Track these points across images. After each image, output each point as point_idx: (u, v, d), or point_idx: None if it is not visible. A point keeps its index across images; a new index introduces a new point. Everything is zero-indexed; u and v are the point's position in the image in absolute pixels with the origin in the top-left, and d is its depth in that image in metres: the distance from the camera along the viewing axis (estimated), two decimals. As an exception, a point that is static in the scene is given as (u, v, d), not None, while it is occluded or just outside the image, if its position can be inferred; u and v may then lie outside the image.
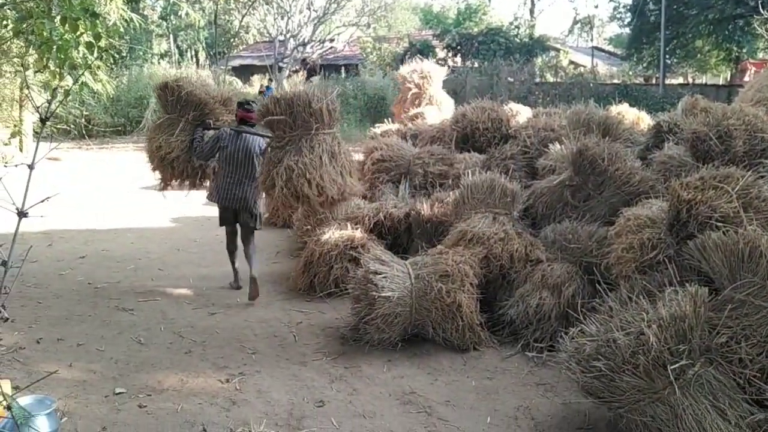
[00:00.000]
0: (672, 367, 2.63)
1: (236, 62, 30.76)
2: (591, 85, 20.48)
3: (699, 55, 23.62)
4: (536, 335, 3.95)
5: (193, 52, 29.20)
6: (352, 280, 4.16)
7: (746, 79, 13.95)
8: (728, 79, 24.06)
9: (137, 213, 8.21)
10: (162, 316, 4.57)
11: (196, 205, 8.76)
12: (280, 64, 26.41)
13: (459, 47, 24.32)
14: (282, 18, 27.31)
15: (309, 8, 26.96)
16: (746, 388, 2.81)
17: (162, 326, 4.36)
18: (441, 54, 25.15)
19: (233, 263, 5.21)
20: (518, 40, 24.53)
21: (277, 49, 26.84)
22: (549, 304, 3.98)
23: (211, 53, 29.33)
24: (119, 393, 3.37)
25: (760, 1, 9.37)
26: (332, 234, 5.03)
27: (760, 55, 20.92)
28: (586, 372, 2.80)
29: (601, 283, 3.60)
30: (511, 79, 20.85)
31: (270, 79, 22.72)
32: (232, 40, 31.92)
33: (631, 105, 9.10)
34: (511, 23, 26.53)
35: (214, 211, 8.27)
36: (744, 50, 22.09)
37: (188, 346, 4.03)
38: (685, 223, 3.34)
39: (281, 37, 27.36)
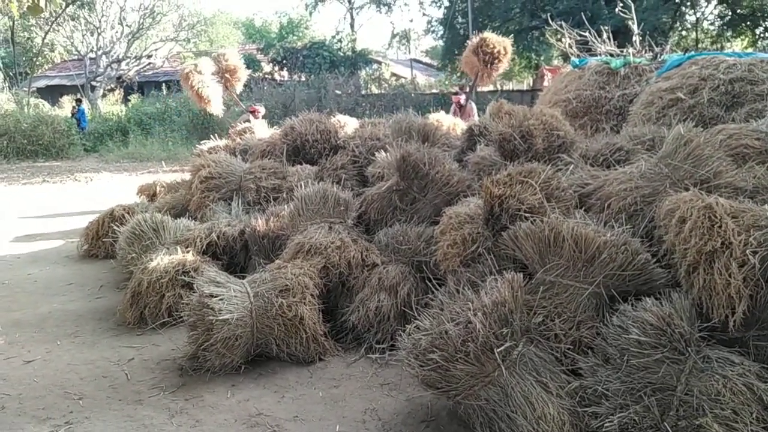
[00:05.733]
0: (498, 350, 2.83)
1: (42, 83, 28.05)
2: (412, 95, 21.61)
3: (504, 64, 25.90)
4: (378, 337, 4.05)
5: (-12, 74, 26.18)
6: (186, 306, 3.96)
7: (545, 83, 15.57)
8: (531, 84, 26.72)
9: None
10: (-35, 372, 4.00)
11: (2, 243, 7.83)
12: (93, 83, 24.55)
13: (284, 61, 24.35)
14: (91, 34, 25.45)
15: (121, 23, 25.38)
16: (562, 361, 3.11)
17: (-34, 384, 3.82)
18: (267, 68, 24.99)
19: None
20: (342, 54, 25.15)
21: (87, 67, 24.92)
22: (387, 305, 4.10)
23: (11, 74, 26.46)
24: None
25: (548, 15, 10.66)
26: (161, 260, 4.75)
27: (555, 62, 23.54)
28: (424, 365, 2.93)
29: (431, 280, 3.81)
30: (339, 92, 21.32)
31: (78, 100, 20.98)
32: (34, 59, 29.07)
33: (447, 112, 9.79)
34: (333, 37, 27.12)
35: (23, 248, 7.46)
36: (542, 58, 24.70)
37: (1, 402, 3.56)
38: (498, 216, 3.64)
39: (92, 55, 25.46)
